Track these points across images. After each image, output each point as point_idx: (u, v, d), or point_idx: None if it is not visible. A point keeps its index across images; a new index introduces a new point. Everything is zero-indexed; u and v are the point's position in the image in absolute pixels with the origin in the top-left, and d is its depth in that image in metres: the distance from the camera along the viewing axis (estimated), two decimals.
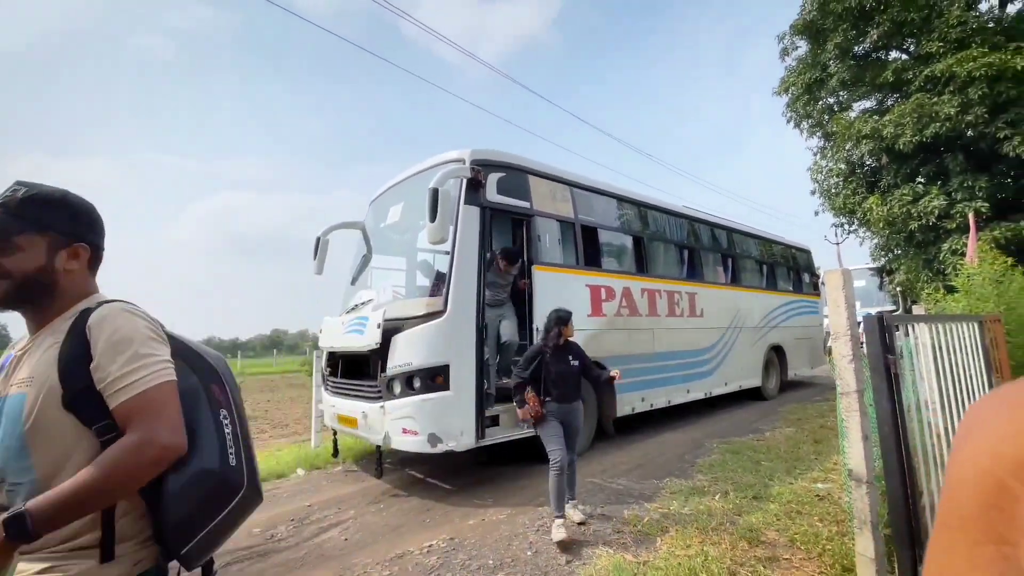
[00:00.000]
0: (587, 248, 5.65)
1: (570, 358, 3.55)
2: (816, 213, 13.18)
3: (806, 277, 10.25)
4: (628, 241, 6.42)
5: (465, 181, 4.53)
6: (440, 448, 4.00)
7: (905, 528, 2.30)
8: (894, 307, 13.12)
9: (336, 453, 5.24)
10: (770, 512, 3.47)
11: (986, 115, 8.53)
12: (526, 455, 4.97)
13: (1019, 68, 8.22)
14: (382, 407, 4.17)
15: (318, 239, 5.87)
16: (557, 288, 5.12)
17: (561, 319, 3.57)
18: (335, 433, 5.20)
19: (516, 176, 5.06)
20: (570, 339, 3.61)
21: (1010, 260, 5.30)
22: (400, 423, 4.06)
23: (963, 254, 8.08)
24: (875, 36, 10.70)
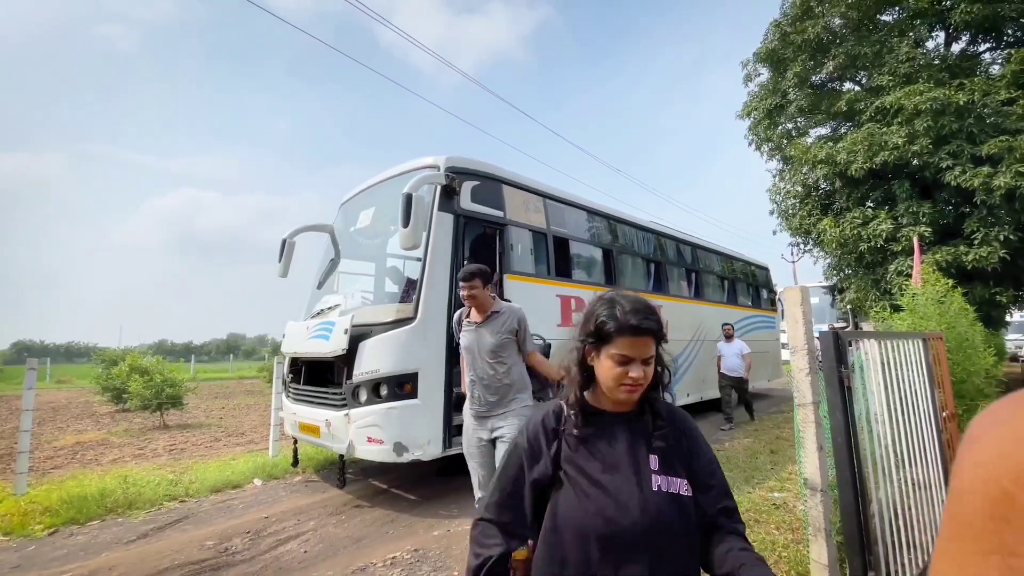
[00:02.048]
0: (559, 259, 5.71)
1: None
2: (774, 232, 13.71)
3: (764, 293, 10.66)
4: (598, 253, 6.54)
5: (439, 188, 4.52)
6: (406, 457, 3.94)
7: (856, 534, 2.41)
8: (845, 324, 13.78)
9: (296, 462, 5.08)
10: None
11: (930, 146, 9.12)
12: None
13: (961, 103, 8.85)
14: (347, 415, 4.08)
15: (284, 241, 5.72)
16: (528, 297, 5.15)
17: None
18: (295, 442, 5.04)
19: (490, 185, 5.09)
20: None
21: (951, 282, 5.66)
22: (365, 431, 3.97)
23: (908, 275, 8.58)
24: (831, 67, 11.32)
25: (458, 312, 3.16)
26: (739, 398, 7.57)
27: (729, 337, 7.51)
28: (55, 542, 3.56)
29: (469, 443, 2.98)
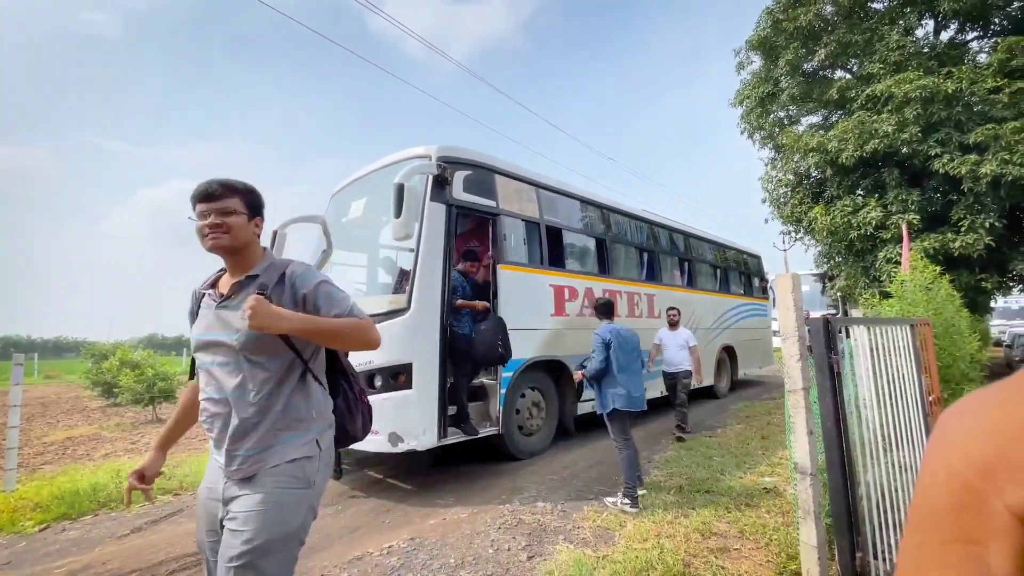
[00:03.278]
0: (551, 249, 5.71)
1: None
2: (766, 221, 13.81)
3: (756, 281, 10.74)
4: (591, 243, 6.54)
5: (431, 178, 4.49)
6: (401, 447, 3.95)
7: (845, 517, 2.46)
8: (835, 311, 13.95)
9: None
10: (721, 505, 3.62)
11: (919, 134, 9.19)
12: (487, 454, 4.99)
13: (950, 91, 8.91)
14: None
15: (275, 232, 5.65)
16: (522, 287, 5.16)
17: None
18: None
19: (482, 175, 5.06)
20: None
21: (938, 269, 5.73)
22: None
23: (897, 263, 8.68)
24: (822, 55, 11.33)
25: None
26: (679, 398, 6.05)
27: (673, 324, 6.18)
28: (46, 538, 3.54)
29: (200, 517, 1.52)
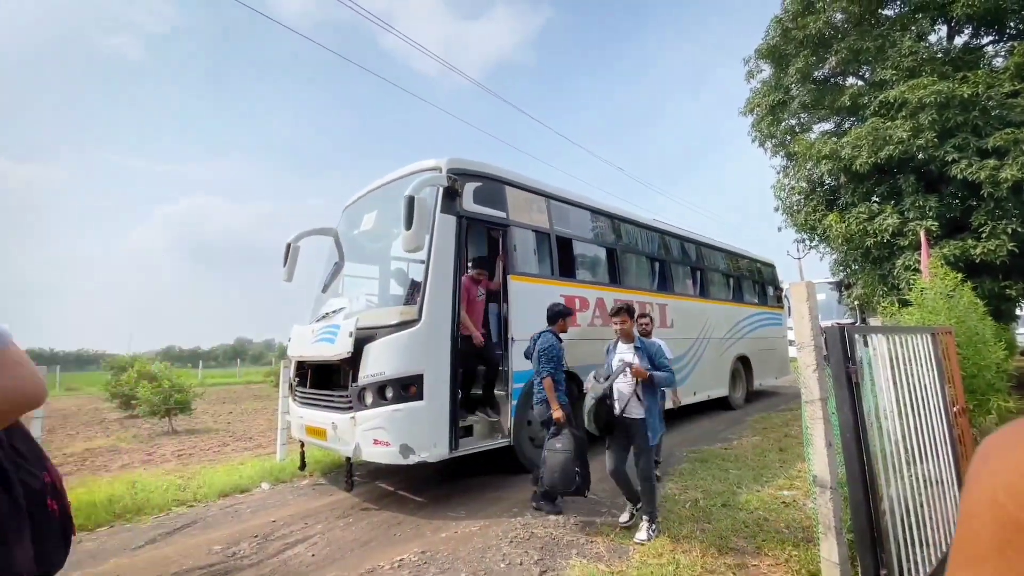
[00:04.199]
0: (562, 259, 5.70)
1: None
2: (779, 229, 13.64)
3: (771, 290, 10.60)
4: (602, 253, 6.51)
5: (441, 190, 4.52)
6: (413, 459, 3.93)
7: (867, 532, 2.38)
8: (852, 319, 13.69)
9: (303, 466, 5.09)
10: (738, 520, 3.53)
11: (935, 139, 9.04)
12: (499, 466, 4.94)
13: (965, 96, 8.77)
14: (353, 418, 4.08)
15: (288, 245, 5.74)
16: (532, 298, 5.14)
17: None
18: (302, 445, 5.05)
19: (493, 186, 5.09)
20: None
21: (959, 276, 5.60)
22: (371, 434, 3.97)
23: (916, 270, 8.51)
24: (833, 62, 11.27)
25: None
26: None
27: (645, 335, 4.59)
28: None
29: None
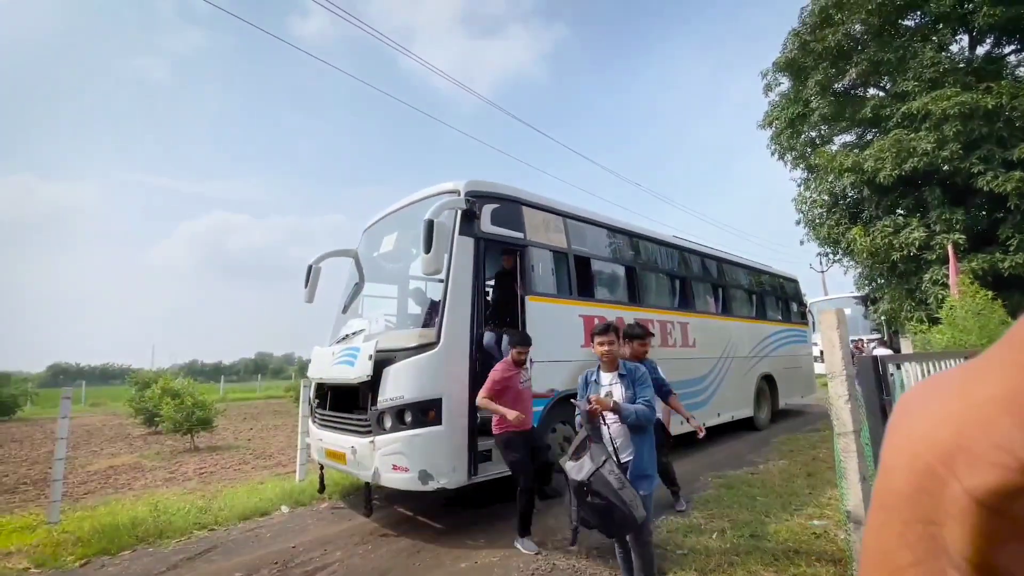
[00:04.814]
0: (580, 278, 5.66)
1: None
2: (801, 242, 13.44)
3: (794, 306, 10.37)
4: (621, 271, 6.46)
5: (460, 212, 4.54)
6: (432, 485, 3.90)
7: None
8: (879, 335, 13.31)
9: (322, 489, 5.08)
10: (767, 552, 3.41)
11: (960, 151, 8.85)
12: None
13: (989, 107, 8.59)
14: (372, 442, 4.07)
15: (310, 267, 5.82)
16: (550, 319, 5.11)
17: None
18: (322, 468, 5.05)
19: (510, 207, 5.10)
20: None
21: (989, 293, 5.42)
22: (390, 459, 3.95)
23: (945, 284, 8.27)
24: (853, 74, 11.15)
25: None
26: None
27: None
28: (86, 574, 3.61)
29: None
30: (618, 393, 2.83)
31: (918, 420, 0.35)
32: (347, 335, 5.07)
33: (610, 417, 2.79)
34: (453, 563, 3.49)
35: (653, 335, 5.18)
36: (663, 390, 4.06)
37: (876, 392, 2.46)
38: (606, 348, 2.94)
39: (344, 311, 5.74)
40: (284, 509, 4.93)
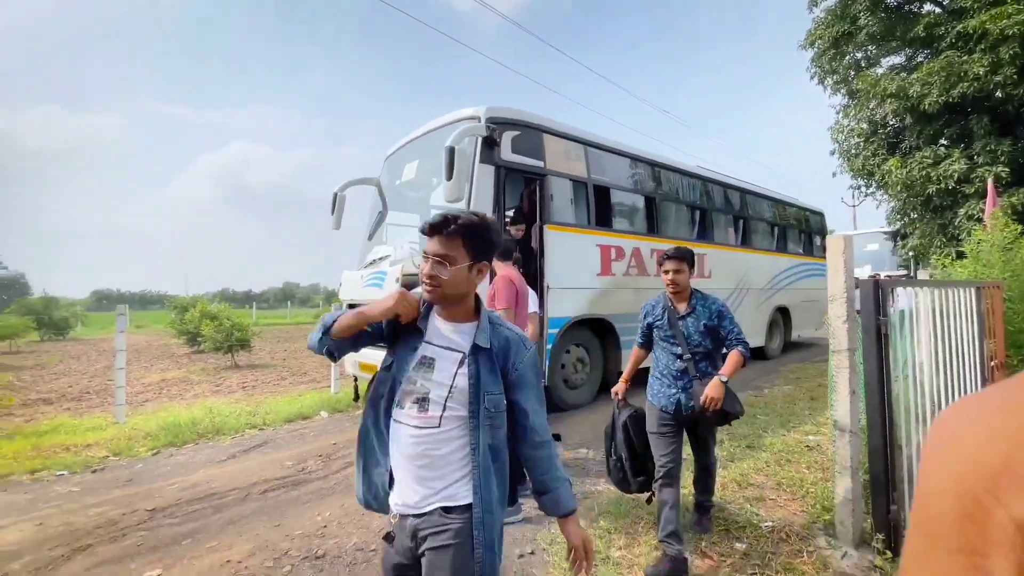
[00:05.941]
0: (599, 208, 5.72)
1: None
2: (834, 175, 12.92)
3: (817, 240, 10.24)
4: (640, 201, 6.47)
5: (480, 139, 4.59)
6: None
7: (882, 475, 2.53)
8: (905, 271, 13.07)
9: (357, 397, 5.53)
10: (761, 460, 3.72)
11: (1015, 76, 8.22)
12: None
13: None
14: None
15: (335, 195, 5.99)
16: (568, 248, 5.25)
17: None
18: (355, 379, 5.49)
19: (530, 134, 5.10)
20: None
21: (1020, 228, 5.30)
22: None
23: (980, 219, 8.02)
24: None
25: None
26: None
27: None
28: (158, 461, 4.16)
29: None
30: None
31: (960, 441, 0.33)
32: (374, 260, 5.33)
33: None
34: None
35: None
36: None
37: (874, 314, 2.59)
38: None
39: (370, 238, 5.97)
40: (323, 414, 5.46)
